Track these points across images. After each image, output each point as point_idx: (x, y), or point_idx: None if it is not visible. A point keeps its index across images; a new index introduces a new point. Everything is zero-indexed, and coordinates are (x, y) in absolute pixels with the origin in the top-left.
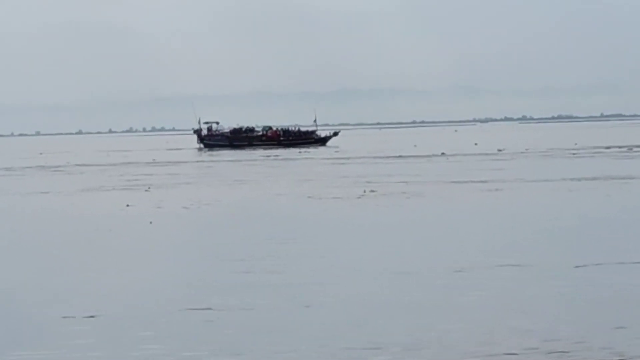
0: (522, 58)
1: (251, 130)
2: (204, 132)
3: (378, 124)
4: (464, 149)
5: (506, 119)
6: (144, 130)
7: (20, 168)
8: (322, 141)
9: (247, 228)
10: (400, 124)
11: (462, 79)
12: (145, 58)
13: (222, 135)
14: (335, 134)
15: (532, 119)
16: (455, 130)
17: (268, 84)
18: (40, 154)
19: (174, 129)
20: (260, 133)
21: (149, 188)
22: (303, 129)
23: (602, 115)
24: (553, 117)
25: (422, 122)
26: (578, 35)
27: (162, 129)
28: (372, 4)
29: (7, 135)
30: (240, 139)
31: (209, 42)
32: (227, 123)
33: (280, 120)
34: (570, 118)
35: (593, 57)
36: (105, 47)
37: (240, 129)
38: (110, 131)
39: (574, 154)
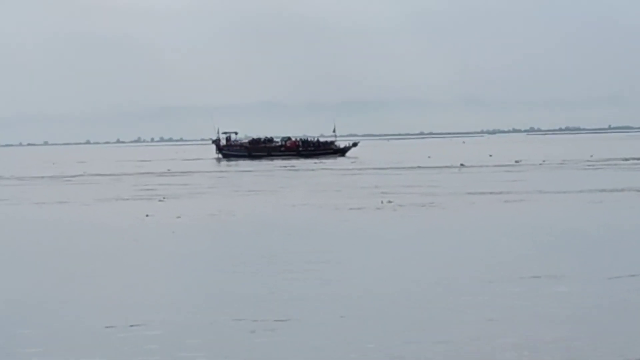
0: (530, 70)
1: (270, 140)
2: (223, 142)
3: (385, 135)
4: (481, 161)
5: (514, 131)
6: (152, 140)
7: (35, 178)
8: (342, 152)
9: (271, 239)
10: (407, 135)
11: (469, 90)
12: (153, 69)
13: (241, 146)
14: (355, 144)
15: (539, 130)
16: (463, 142)
17: (275, 95)
18: (53, 163)
19: (181, 139)
20: (279, 143)
21: (164, 198)
22: (322, 139)
23: (609, 128)
24: (560, 129)
25: (430, 133)
26: (585, 48)
27: (170, 140)
28: (379, 16)
29: (16, 145)
30: (259, 149)
31: (217, 54)
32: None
33: (287, 130)
34: (578, 130)
35: (600, 70)
36: (113, 58)
37: (259, 139)
38: (118, 141)
39: (591, 165)
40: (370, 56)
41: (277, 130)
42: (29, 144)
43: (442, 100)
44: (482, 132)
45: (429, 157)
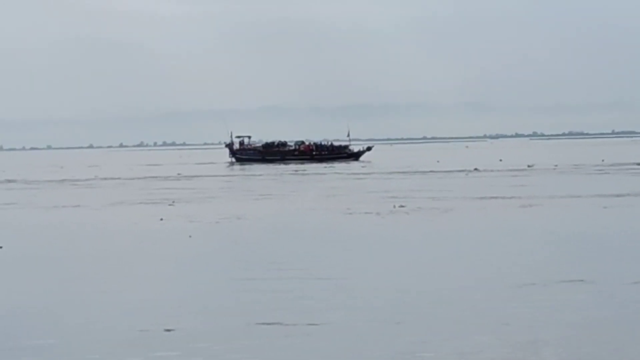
0: (533, 75)
1: (283, 144)
2: (236, 146)
3: (388, 139)
4: (493, 165)
5: (517, 135)
6: (155, 144)
7: (44, 182)
8: (356, 156)
9: (289, 243)
10: (410, 139)
11: (472, 95)
12: (156, 74)
13: (254, 150)
14: (369, 148)
15: (542, 135)
16: (466, 147)
17: (278, 99)
18: (61, 167)
19: (184, 144)
20: (293, 147)
21: (173, 202)
22: (323, 143)
23: (613, 132)
24: (564, 134)
25: (433, 138)
26: (589, 53)
27: (174, 144)
28: (382, 21)
29: (19, 149)
30: (273, 153)
31: (219, 58)
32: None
33: (289, 134)
34: (581, 135)
35: (604, 74)
36: (117, 62)
37: (273, 143)
38: (121, 145)
39: (604, 170)
40: (373, 60)
41: (279, 134)
42: (32, 148)
43: (445, 104)
44: (485, 136)
45: (437, 161)
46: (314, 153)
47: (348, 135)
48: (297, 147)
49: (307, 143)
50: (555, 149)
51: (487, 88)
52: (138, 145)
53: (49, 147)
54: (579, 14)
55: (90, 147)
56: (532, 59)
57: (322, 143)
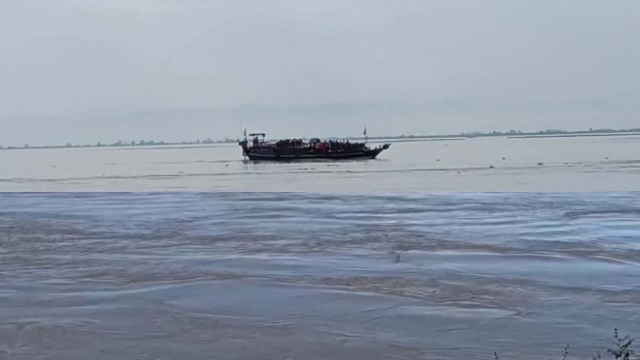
0: (511, 74)
1: (298, 142)
2: (250, 144)
3: (367, 138)
4: (501, 163)
5: (495, 134)
6: (133, 143)
7: (54, 181)
8: (372, 154)
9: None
10: (388, 138)
11: (450, 94)
12: (133, 73)
13: (269, 148)
14: (386, 146)
15: (520, 133)
16: (445, 145)
17: (258, 98)
18: (54, 166)
19: (162, 143)
20: (308, 145)
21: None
22: (305, 141)
23: (590, 130)
24: (542, 132)
25: (411, 136)
26: (566, 52)
27: (151, 142)
28: (362, 21)
29: None
30: (287, 151)
31: (199, 58)
32: (216, 137)
33: (272, 134)
34: (559, 133)
35: (581, 73)
36: (94, 62)
37: (287, 141)
38: (99, 144)
39: (614, 168)
40: (353, 59)
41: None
42: (9, 147)
43: (424, 103)
44: (462, 134)
45: (437, 160)
46: (329, 151)
47: (364, 133)
48: (312, 145)
49: (322, 141)
50: (548, 147)
51: (464, 87)
52: (116, 144)
53: (26, 147)
54: (556, 14)
55: (68, 146)
56: (509, 58)
57: (338, 141)
